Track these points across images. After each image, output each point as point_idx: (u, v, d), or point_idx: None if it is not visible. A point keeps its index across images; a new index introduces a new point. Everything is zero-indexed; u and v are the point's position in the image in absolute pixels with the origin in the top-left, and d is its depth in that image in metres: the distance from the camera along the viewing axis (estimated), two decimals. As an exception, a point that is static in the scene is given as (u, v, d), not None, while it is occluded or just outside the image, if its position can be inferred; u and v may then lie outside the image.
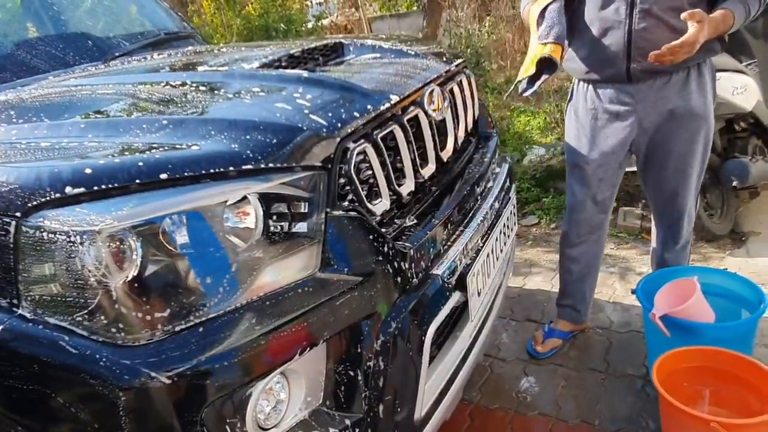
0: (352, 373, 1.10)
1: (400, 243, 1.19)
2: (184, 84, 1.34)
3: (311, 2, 8.74)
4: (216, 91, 1.27)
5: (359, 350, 1.10)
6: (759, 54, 3.10)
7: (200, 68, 1.47)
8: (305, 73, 1.34)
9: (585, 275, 2.08)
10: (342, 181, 1.12)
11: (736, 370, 1.57)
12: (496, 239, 1.57)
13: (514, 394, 1.97)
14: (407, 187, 1.31)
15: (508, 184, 1.80)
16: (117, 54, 1.98)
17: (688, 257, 2.07)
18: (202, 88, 1.30)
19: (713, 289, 1.85)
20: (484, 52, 5.11)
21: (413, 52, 1.70)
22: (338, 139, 1.10)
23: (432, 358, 1.33)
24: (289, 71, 1.38)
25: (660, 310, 1.71)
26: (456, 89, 1.65)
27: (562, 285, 2.15)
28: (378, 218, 1.20)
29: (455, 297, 1.30)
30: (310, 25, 5.67)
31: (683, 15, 1.49)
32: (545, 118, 4.64)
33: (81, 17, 2.32)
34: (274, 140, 1.05)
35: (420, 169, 1.37)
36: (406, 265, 1.17)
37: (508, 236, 1.70)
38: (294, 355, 0.99)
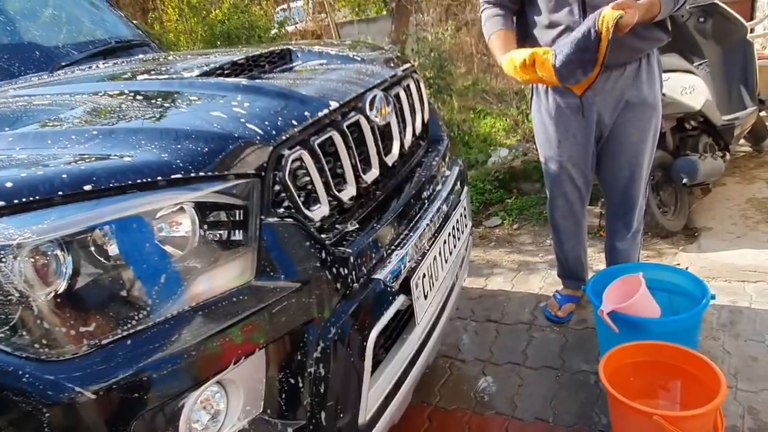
0: (292, 381, 1.10)
1: (339, 248, 1.20)
2: (121, 93, 1.33)
3: (277, 8, 8.70)
4: (152, 101, 1.26)
5: (299, 357, 1.10)
6: (709, 54, 3.20)
7: (140, 77, 1.45)
8: (244, 81, 1.34)
9: (576, 248, 2.25)
10: (277, 188, 1.12)
11: (681, 363, 1.61)
12: (445, 242, 1.58)
13: (472, 394, 1.98)
14: (348, 192, 1.31)
15: (458, 186, 1.82)
16: (64, 63, 1.95)
17: (639, 246, 2.21)
18: (138, 97, 1.29)
19: (660, 285, 1.90)
20: (448, 56, 5.16)
21: (359, 58, 1.71)
22: (272, 147, 1.10)
23: (378, 363, 1.34)
24: (228, 79, 1.38)
25: (608, 306, 1.74)
26: (402, 94, 1.66)
27: (558, 267, 2.37)
28: (317, 224, 1.21)
29: (399, 301, 1.31)
30: (274, 32, 5.65)
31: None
32: (508, 120, 4.71)
33: (30, 26, 2.28)
34: (206, 149, 1.05)
35: (362, 174, 1.37)
36: (346, 271, 1.18)
37: (458, 238, 1.72)
38: (229, 365, 0.98)
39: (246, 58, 1.61)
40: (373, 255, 1.28)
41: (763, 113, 4.22)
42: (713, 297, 1.75)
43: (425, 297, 1.41)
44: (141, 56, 2.06)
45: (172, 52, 2.14)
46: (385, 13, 10.37)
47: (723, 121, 3.03)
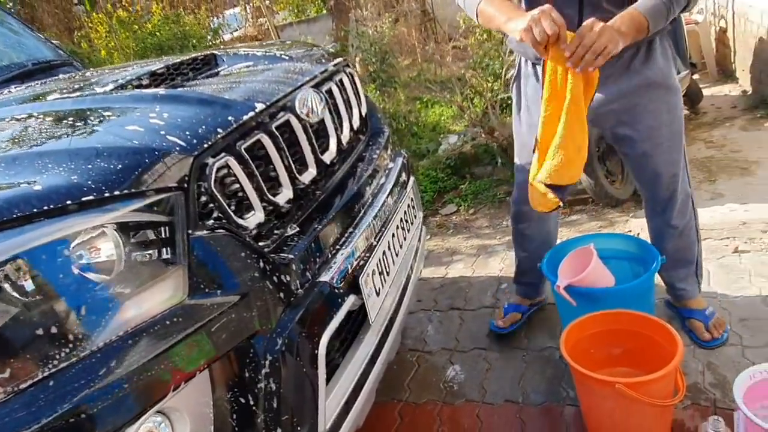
0: (242, 399, 1.05)
1: (279, 255, 1.15)
2: (30, 116, 1.24)
3: (212, 17, 8.49)
4: (62, 121, 1.18)
5: (247, 374, 1.05)
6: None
7: (50, 97, 1.36)
8: (162, 91, 1.27)
9: (541, 252, 1.95)
10: (203, 199, 1.06)
11: (639, 328, 1.63)
12: (393, 235, 1.55)
13: (441, 385, 1.96)
14: (284, 195, 1.26)
15: (403, 178, 1.79)
16: (-25, 90, 1.82)
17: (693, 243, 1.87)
18: (48, 118, 1.21)
19: (612, 253, 1.91)
20: (389, 48, 5.13)
21: (287, 57, 1.66)
22: (193, 157, 1.04)
23: (335, 367, 1.29)
24: (144, 90, 1.30)
25: (563, 281, 1.75)
26: (335, 89, 1.62)
27: (518, 264, 2.09)
28: (253, 232, 1.15)
29: (349, 301, 1.26)
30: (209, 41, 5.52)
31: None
32: (454, 107, 4.72)
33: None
34: (120, 166, 0.98)
35: (299, 175, 1.32)
36: (288, 277, 1.13)
37: (408, 230, 1.69)
38: (167, 392, 0.92)
39: (166, 67, 1.54)
40: (317, 257, 1.24)
41: (695, 76, 4.36)
42: (663, 260, 1.77)
43: (377, 294, 1.38)
44: (58, 77, 1.95)
45: (91, 69, 2.03)
46: (325, 12, 10.29)
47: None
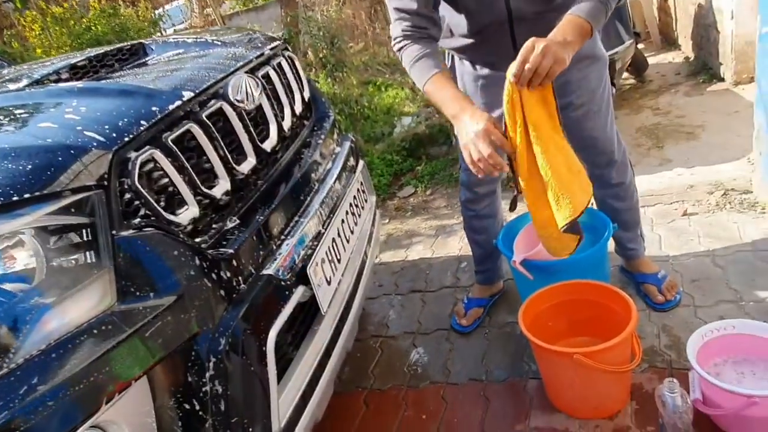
0: (187, 405, 0.99)
1: (217, 250, 1.09)
2: (-67, 119, 1.14)
3: (155, 7, 8.16)
4: (-33, 122, 1.08)
5: (189, 378, 0.99)
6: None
7: (-43, 98, 1.25)
8: (79, 84, 1.19)
9: (493, 239, 1.94)
10: (128, 196, 0.99)
11: (594, 297, 1.63)
12: (342, 221, 1.50)
13: (405, 369, 1.94)
14: (221, 187, 1.20)
15: (351, 162, 1.74)
16: None
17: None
18: (-48, 120, 1.10)
19: (566, 225, 1.91)
20: (337, 32, 5.04)
21: (220, 42, 1.58)
22: (112, 152, 0.97)
23: (288, 362, 1.25)
24: (60, 85, 1.21)
25: (519, 256, 1.74)
26: (273, 74, 1.55)
27: (475, 254, 2.05)
28: (188, 228, 1.09)
29: (298, 293, 1.22)
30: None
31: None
32: (406, 89, 4.68)
33: None
34: (30, 167, 0.90)
35: (236, 165, 1.26)
36: (228, 273, 1.07)
37: (359, 215, 1.64)
38: (99, 406, 0.86)
39: (88, 60, 1.44)
40: (260, 249, 1.18)
41: (640, 45, 4.44)
42: (615, 228, 1.79)
43: (328, 283, 1.33)
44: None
45: (9, 67, 1.90)
46: (273, -1, 10.05)
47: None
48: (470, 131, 1.27)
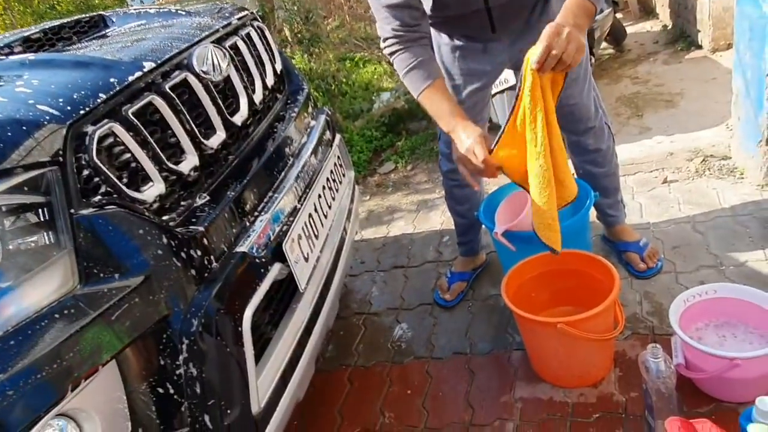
0: (161, 389, 0.95)
1: (186, 228, 1.04)
2: None
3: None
4: None
5: (162, 361, 0.95)
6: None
7: None
8: (31, 56, 1.11)
9: (474, 209, 1.91)
10: (86, 172, 0.93)
11: (577, 266, 1.62)
12: (319, 196, 1.46)
13: (389, 345, 1.92)
14: (189, 162, 1.14)
15: (327, 136, 1.69)
16: None
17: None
18: None
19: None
20: (312, 7, 4.91)
21: (184, 12, 1.50)
22: (67, 126, 0.91)
23: (266, 341, 1.21)
24: (11, 57, 1.14)
25: (500, 227, 1.71)
26: (242, 45, 1.48)
27: (457, 226, 2.03)
28: (154, 205, 1.03)
29: (274, 270, 1.18)
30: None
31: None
32: (384, 64, 4.60)
33: None
34: (-24, 143, 0.84)
35: (205, 139, 1.20)
36: (199, 252, 1.03)
37: (336, 190, 1.60)
38: (65, 394, 0.82)
39: (43, 32, 1.36)
40: (233, 227, 1.14)
41: (618, 15, 4.40)
42: (596, 196, 1.77)
43: (306, 259, 1.29)
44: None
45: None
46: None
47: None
48: (462, 147, 1.30)
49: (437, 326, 1.94)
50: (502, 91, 2.70)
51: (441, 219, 2.60)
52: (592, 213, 1.86)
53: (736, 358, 1.24)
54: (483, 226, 1.94)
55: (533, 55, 1.16)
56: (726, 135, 2.48)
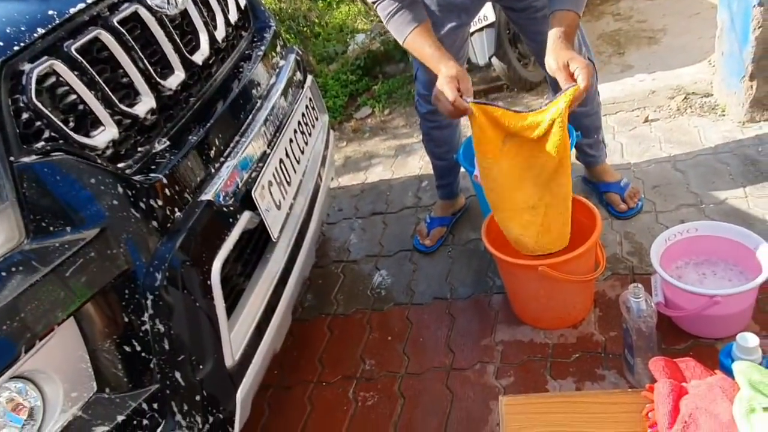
0: (127, 348, 0.91)
1: (145, 176, 0.96)
2: None
3: None
4: None
5: (126, 318, 0.90)
6: None
7: None
8: (-44, -15, 0.99)
9: (453, 152, 1.87)
10: (25, 115, 0.84)
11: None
12: (291, 140, 1.38)
13: (369, 292, 1.90)
14: (145, 104, 1.05)
15: (298, 76, 1.59)
16: None
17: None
18: None
19: (528, 135, 1.84)
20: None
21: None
22: (-1, 63, 0.81)
23: (239, 293, 1.17)
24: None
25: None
26: (200, -25, 1.36)
27: (436, 168, 1.97)
28: (107, 152, 0.95)
29: (244, 219, 1.11)
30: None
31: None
32: (359, 4, 4.39)
33: None
34: None
35: (162, 79, 1.11)
36: (159, 201, 0.96)
37: (309, 134, 1.52)
38: (18, 355, 0.76)
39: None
40: (197, 173, 1.06)
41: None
42: (578, 137, 1.72)
43: (278, 207, 1.23)
44: None
45: None
46: None
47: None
48: (441, 78, 1.27)
49: (417, 272, 1.92)
50: (480, 29, 2.58)
51: (419, 164, 2.54)
52: (572, 153, 1.81)
53: (716, 296, 1.23)
54: (462, 168, 1.88)
55: (567, 95, 1.19)
56: (708, 72, 2.43)
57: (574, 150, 1.77)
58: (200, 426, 0.97)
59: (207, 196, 1.04)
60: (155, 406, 0.93)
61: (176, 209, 0.98)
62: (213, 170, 1.10)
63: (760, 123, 2.01)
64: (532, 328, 1.55)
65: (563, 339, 1.49)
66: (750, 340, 1.02)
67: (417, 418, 1.44)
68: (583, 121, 1.75)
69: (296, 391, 1.62)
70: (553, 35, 1.25)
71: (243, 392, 1.06)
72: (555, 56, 1.22)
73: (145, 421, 0.93)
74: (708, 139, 2.04)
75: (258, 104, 1.33)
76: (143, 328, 0.91)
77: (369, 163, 2.74)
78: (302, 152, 1.44)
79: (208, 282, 0.99)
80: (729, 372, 1.09)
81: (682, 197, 1.82)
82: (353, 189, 2.53)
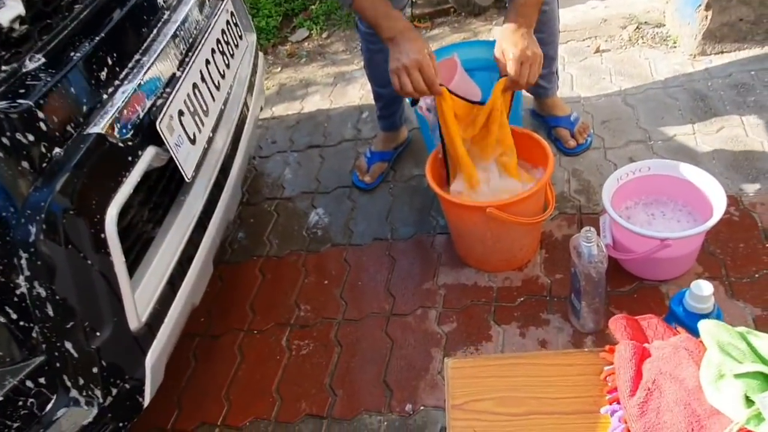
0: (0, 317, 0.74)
1: (10, 101, 0.76)
2: None
3: None
4: None
5: (-8, 281, 0.73)
6: None
7: None
8: None
9: None
10: None
11: (507, 143, 1.48)
12: (208, 62, 1.17)
13: (304, 233, 1.77)
14: (9, 11, 0.82)
15: (217, -15, 1.36)
16: None
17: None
18: None
19: (478, 64, 1.68)
20: None
21: None
22: None
23: (149, 241, 1.00)
24: None
25: (425, 99, 1.51)
26: None
27: (378, 97, 1.80)
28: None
29: (147, 156, 0.93)
30: None
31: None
32: None
33: None
34: None
35: (31, -22, 0.87)
36: (31, 134, 0.76)
37: (231, 55, 1.31)
38: None
39: None
40: (83, 100, 0.86)
41: None
42: (530, 65, 1.59)
43: (192, 141, 1.05)
44: None
45: None
46: None
47: None
48: (404, 58, 1.22)
49: (356, 211, 1.79)
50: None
51: (360, 93, 2.36)
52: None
53: (668, 239, 1.18)
54: (406, 98, 1.73)
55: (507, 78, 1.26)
56: (662, 0, 2.33)
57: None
58: (101, 399, 0.84)
59: (97, 128, 0.84)
60: (42, 380, 0.78)
61: (55, 145, 0.79)
62: (105, 96, 0.90)
63: (711, 56, 1.95)
64: (476, 270, 1.48)
65: (508, 282, 1.43)
66: (704, 288, 0.98)
67: (355, 366, 1.36)
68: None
69: (225, 340, 1.50)
70: (508, 16, 1.26)
71: (153, 357, 0.92)
72: (498, 44, 1.27)
73: (30, 399, 0.78)
74: (658, 72, 1.97)
75: (164, 16, 1.11)
76: (18, 293, 0.75)
77: (305, 91, 2.52)
78: (222, 76, 1.24)
79: (102, 234, 0.82)
80: (679, 319, 1.05)
81: (631, 133, 1.76)
82: (288, 119, 2.33)
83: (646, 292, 1.32)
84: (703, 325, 0.69)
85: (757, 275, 1.29)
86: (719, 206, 1.20)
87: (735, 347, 0.65)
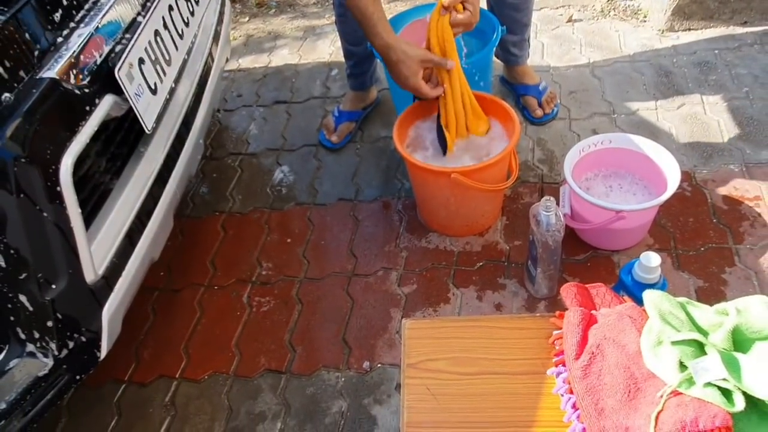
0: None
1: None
2: None
3: None
4: None
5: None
6: None
7: None
8: None
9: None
10: None
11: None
12: (171, 8, 1.12)
13: (268, 190, 1.75)
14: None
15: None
16: None
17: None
18: None
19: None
20: None
21: None
22: None
23: (106, 193, 0.98)
24: None
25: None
26: None
27: (349, 55, 1.75)
28: None
29: (105, 105, 0.90)
30: None
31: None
32: None
33: None
34: None
35: None
36: (-23, 76, 0.72)
37: (196, 2, 1.26)
38: None
39: None
40: (34, 42, 0.82)
41: None
42: (503, 32, 1.58)
43: (153, 91, 1.01)
44: None
45: None
46: None
47: None
48: (408, 57, 1.28)
49: (321, 170, 1.78)
50: None
51: (330, 49, 2.30)
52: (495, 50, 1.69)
53: (623, 211, 1.22)
54: (377, 58, 1.70)
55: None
56: (635, -28, 2.34)
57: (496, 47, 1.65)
58: (56, 351, 0.83)
59: (50, 72, 0.80)
60: (-8, 334, 0.77)
61: (3, 90, 0.75)
62: (60, 39, 0.86)
63: (678, 33, 1.98)
64: (438, 234, 1.51)
65: (469, 247, 1.46)
66: (652, 260, 1.02)
67: (314, 324, 1.38)
68: (512, 14, 1.61)
69: (185, 295, 1.50)
70: None
71: (111, 310, 0.91)
72: None
73: (-20, 349, 0.76)
74: (627, 45, 1.99)
75: (125, -45, 1.05)
76: (-36, 242, 0.72)
77: (274, 44, 2.45)
78: (186, 24, 1.19)
79: (57, 184, 0.79)
80: (627, 288, 1.10)
81: (596, 105, 1.78)
82: (255, 73, 2.27)
83: (599, 261, 1.37)
84: (647, 295, 0.73)
85: (702, 249, 1.36)
86: (673, 181, 1.25)
87: (675, 316, 0.69)
